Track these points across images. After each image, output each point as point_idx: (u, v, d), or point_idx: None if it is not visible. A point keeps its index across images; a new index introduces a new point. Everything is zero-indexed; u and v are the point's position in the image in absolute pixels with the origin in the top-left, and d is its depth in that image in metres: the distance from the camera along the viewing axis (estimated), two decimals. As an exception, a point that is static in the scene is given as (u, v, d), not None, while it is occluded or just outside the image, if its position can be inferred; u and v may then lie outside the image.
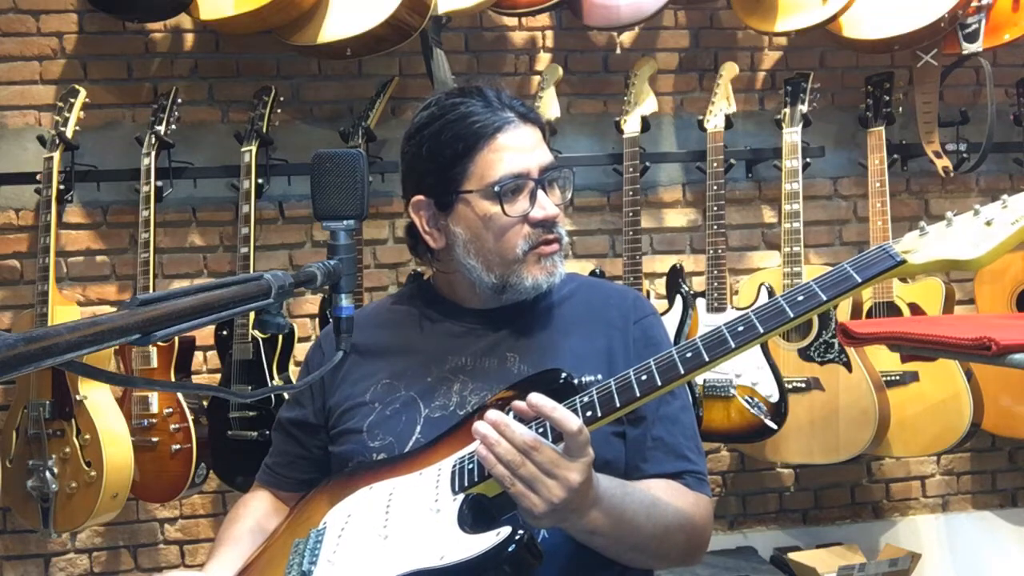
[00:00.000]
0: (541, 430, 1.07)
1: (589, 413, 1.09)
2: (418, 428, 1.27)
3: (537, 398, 1.05)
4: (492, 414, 1.08)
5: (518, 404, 1.08)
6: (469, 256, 1.29)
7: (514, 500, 1.06)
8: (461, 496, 1.11)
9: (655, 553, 1.21)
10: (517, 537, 1.02)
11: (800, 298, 1.03)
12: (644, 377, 1.08)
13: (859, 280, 1.02)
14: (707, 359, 1.05)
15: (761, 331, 1.03)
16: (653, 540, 1.18)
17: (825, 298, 1.02)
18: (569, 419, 1.04)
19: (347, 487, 1.26)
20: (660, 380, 1.06)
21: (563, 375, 1.15)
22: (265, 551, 1.32)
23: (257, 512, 1.41)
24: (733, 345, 1.04)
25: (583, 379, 1.15)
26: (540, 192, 1.27)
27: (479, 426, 1.07)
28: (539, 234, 1.28)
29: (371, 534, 1.15)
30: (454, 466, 1.15)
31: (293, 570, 1.18)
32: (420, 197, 1.31)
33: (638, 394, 1.07)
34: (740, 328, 1.04)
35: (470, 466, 1.12)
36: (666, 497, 1.22)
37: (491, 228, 1.27)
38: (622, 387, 1.08)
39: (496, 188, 1.25)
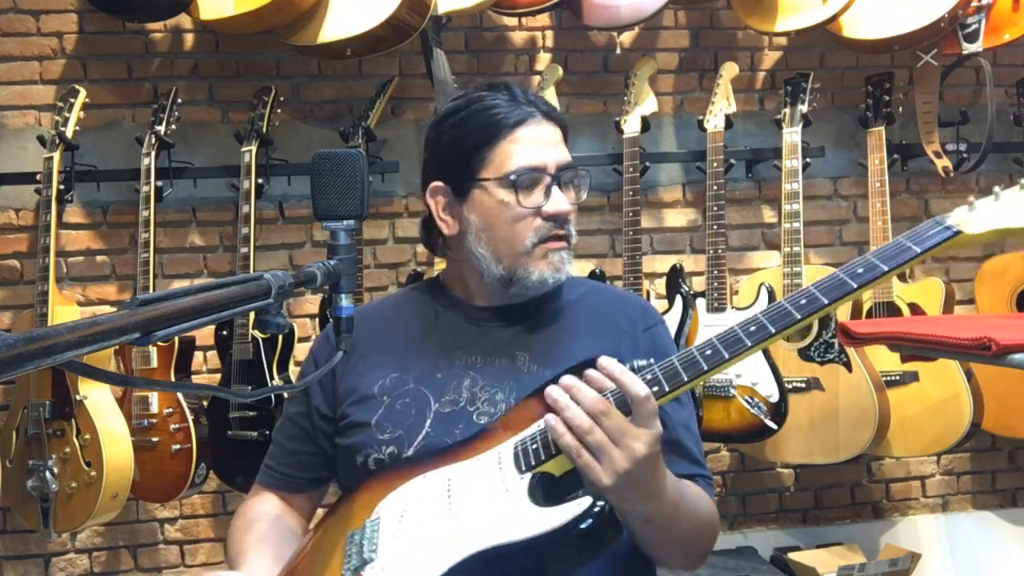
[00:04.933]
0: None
1: (656, 388, 1.08)
2: (428, 422, 1.27)
3: (607, 360, 1.07)
4: (567, 378, 1.09)
5: (590, 372, 1.09)
6: (480, 244, 1.31)
7: (581, 473, 1.06)
8: (528, 475, 1.11)
9: (687, 551, 1.23)
10: (597, 508, 1.02)
11: (860, 270, 1.06)
12: (709, 352, 1.08)
13: (917, 251, 1.04)
14: (773, 331, 1.07)
15: (825, 302, 1.07)
16: (692, 535, 1.21)
17: (886, 268, 1.05)
18: (637, 383, 1.05)
19: (392, 481, 1.23)
20: (727, 353, 1.07)
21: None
22: (309, 550, 1.28)
23: (269, 513, 1.38)
24: (798, 316, 1.07)
25: (635, 363, 1.14)
26: (555, 188, 1.29)
27: (552, 390, 1.09)
28: (549, 228, 1.29)
29: (437, 515, 1.14)
30: (515, 447, 1.15)
31: (352, 560, 1.16)
32: (438, 183, 1.34)
33: (705, 367, 1.07)
34: (801, 301, 1.08)
35: (534, 446, 1.13)
36: (704, 497, 1.26)
37: (504, 217, 1.29)
38: (687, 362, 1.09)
39: (512, 178, 1.27)
